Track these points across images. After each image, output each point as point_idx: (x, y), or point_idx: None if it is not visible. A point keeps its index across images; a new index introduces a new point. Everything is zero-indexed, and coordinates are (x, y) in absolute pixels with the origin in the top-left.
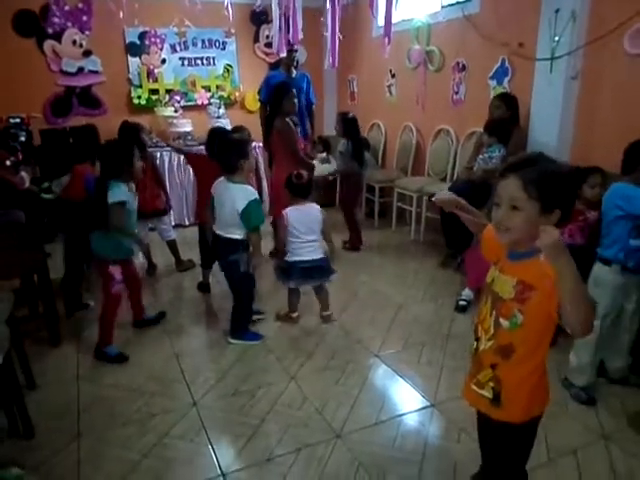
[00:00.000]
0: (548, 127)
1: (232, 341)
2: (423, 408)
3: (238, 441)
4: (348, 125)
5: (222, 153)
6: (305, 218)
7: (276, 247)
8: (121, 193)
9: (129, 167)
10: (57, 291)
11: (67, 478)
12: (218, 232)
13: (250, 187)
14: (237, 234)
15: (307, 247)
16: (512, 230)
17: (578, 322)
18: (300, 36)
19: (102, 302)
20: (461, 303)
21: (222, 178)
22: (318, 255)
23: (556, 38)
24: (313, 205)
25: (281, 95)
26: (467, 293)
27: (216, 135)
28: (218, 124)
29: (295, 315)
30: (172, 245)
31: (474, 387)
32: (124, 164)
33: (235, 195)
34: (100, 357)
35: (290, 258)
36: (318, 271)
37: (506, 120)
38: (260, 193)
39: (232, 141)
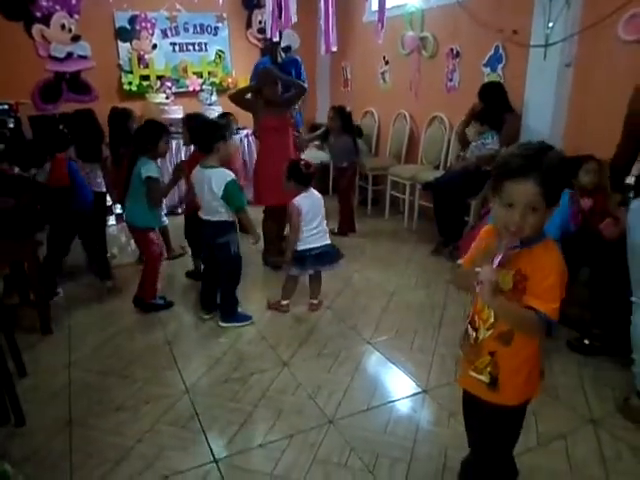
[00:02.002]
0: (541, 114)
1: (223, 325)
2: (415, 394)
3: (231, 427)
4: (347, 120)
5: (198, 133)
6: (313, 205)
7: (287, 237)
8: (152, 169)
9: (153, 147)
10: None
11: (59, 465)
12: (205, 217)
13: (224, 169)
14: (224, 216)
15: (317, 234)
16: (525, 230)
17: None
18: (294, 19)
19: (146, 263)
20: None
21: (198, 166)
22: (327, 241)
23: (550, 25)
24: (315, 191)
25: (261, 82)
26: None
27: (191, 118)
28: (210, 111)
29: (286, 303)
30: (164, 232)
31: (472, 373)
32: (148, 144)
33: (211, 180)
34: (149, 309)
35: (301, 246)
36: (329, 256)
37: (496, 108)
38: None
39: (209, 122)
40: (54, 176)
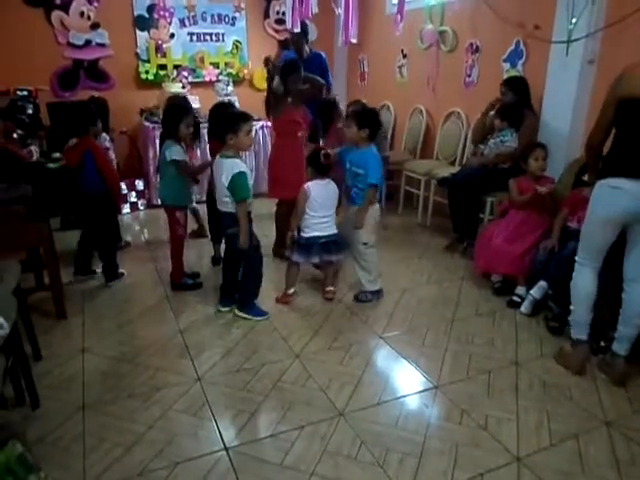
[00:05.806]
0: (561, 112)
1: (238, 313)
2: (426, 390)
3: (241, 416)
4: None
5: (214, 125)
6: (325, 193)
7: (290, 221)
8: (174, 152)
9: (176, 130)
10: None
11: (72, 448)
12: (219, 207)
13: (238, 160)
14: (230, 207)
15: (325, 222)
16: None
17: None
18: (315, 10)
19: (170, 243)
20: (514, 299)
21: (218, 155)
22: (333, 230)
23: (573, 20)
24: (331, 181)
25: (286, 74)
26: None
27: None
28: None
29: (291, 292)
30: (195, 212)
31: None
32: (172, 128)
33: (223, 169)
34: (179, 288)
35: (308, 234)
36: (335, 245)
37: (518, 104)
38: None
39: (223, 114)
40: (70, 155)
